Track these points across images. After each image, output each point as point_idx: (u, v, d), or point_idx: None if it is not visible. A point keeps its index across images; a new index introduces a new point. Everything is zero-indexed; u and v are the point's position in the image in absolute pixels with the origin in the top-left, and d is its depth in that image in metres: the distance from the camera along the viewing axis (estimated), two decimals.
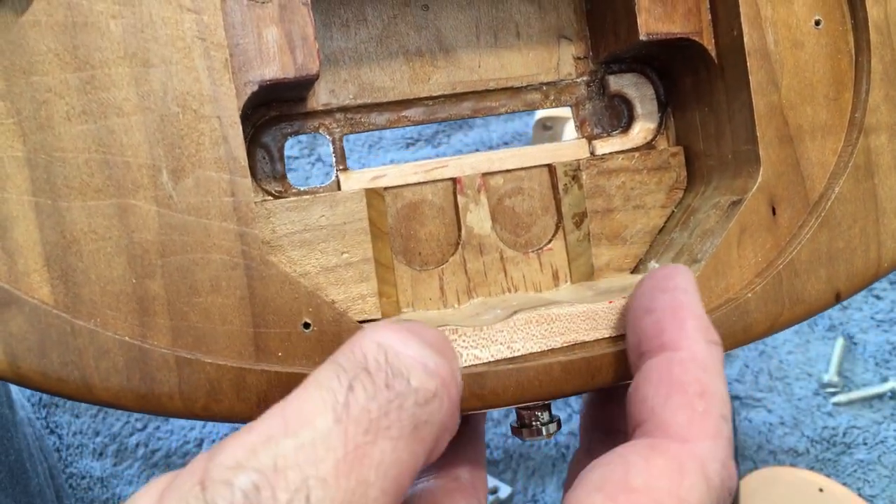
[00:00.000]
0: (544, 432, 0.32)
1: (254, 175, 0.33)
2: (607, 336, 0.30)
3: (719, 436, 0.24)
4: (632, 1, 0.32)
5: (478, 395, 0.28)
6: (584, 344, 0.30)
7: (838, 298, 0.32)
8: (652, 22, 0.32)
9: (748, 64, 0.31)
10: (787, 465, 0.59)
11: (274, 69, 0.28)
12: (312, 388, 0.21)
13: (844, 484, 0.58)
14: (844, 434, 0.60)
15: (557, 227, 0.36)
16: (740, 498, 0.57)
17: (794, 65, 0.32)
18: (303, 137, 0.69)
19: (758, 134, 0.31)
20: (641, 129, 0.36)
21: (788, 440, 0.59)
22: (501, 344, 0.29)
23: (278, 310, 0.27)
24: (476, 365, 0.29)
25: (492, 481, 0.56)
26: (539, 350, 0.29)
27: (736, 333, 0.31)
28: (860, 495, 0.59)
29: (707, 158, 0.35)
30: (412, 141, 0.77)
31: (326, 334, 0.28)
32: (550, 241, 0.35)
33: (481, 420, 0.35)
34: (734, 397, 0.58)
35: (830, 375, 0.59)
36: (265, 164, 0.33)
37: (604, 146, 0.36)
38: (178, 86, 0.26)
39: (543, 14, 0.36)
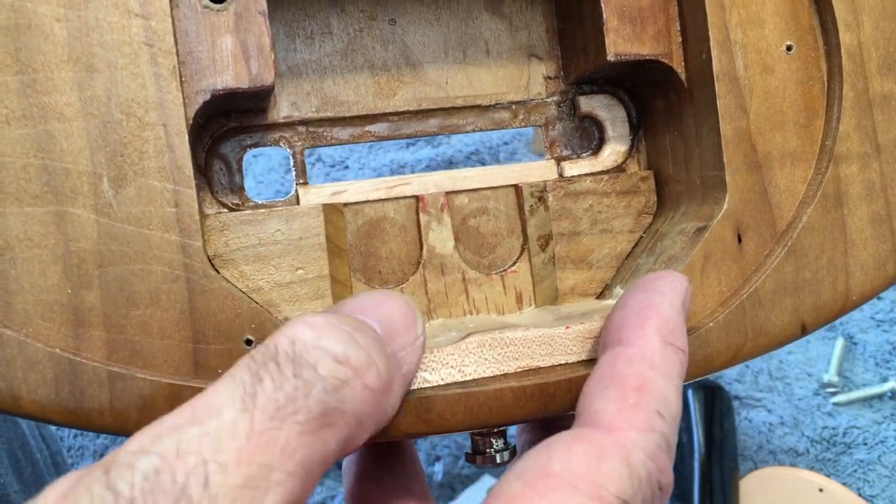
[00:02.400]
0: (497, 459, 0.31)
1: (210, 187, 0.32)
2: (563, 362, 0.29)
3: (650, 429, 0.24)
4: (600, 20, 0.31)
5: (424, 420, 0.27)
6: (538, 370, 0.29)
7: (804, 331, 0.31)
8: (620, 42, 0.31)
9: (716, 88, 0.30)
10: (787, 465, 0.58)
11: (227, 78, 0.28)
12: (224, 381, 0.21)
13: (844, 484, 0.58)
14: (844, 434, 0.59)
15: (522, 249, 0.35)
16: (740, 498, 0.55)
17: (763, 90, 0.31)
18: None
19: (725, 160, 0.31)
20: (612, 152, 0.36)
21: (788, 440, 0.58)
22: (452, 367, 0.28)
23: (219, 325, 0.26)
24: (425, 388, 0.28)
25: (492, 482, 0.55)
26: (491, 375, 0.28)
27: (696, 363, 0.30)
28: (860, 495, 0.58)
29: (676, 184, 0.34)
30: (412, 141, 0.75)
31: None
32: (515, 262, 0.35)
33: (410, 446, 0.34)
34: (734, 397, 0.57)
35: (830, 375, 0.59)
36: (223, 176, 0.32)
37: (573, 168, 0.35)
38: (123, 92, 0.26)
39: (514, 32, 0.35)
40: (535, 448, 0.24)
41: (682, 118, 0.33)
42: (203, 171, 0.32)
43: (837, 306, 0.31)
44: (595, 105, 0.36)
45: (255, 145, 0.33)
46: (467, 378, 0.28)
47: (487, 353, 0.29)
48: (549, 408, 0.28)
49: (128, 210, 0.26)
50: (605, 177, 0.34)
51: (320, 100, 0.33)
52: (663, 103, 0.34)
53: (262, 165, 0.71)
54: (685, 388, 0.55)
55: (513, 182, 0.35)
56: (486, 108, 0.35)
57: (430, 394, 0.28)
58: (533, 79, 0.35)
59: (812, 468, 0.58)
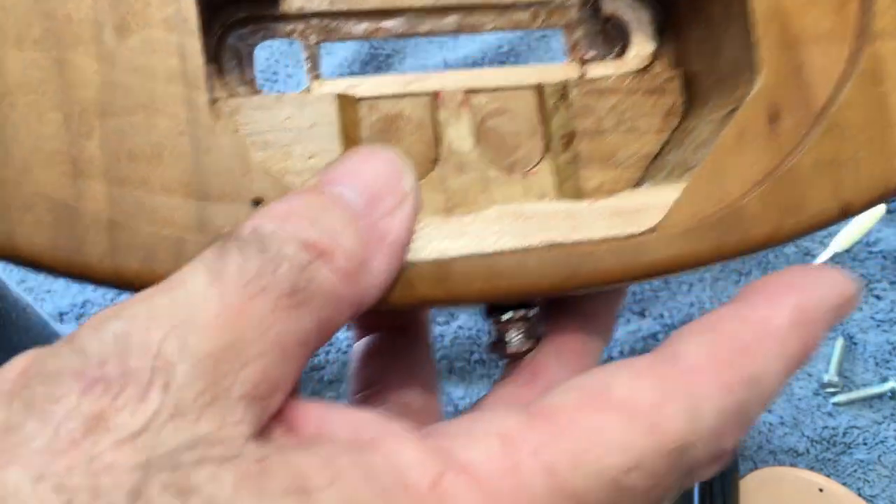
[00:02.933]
0: (523, 347, 0.29)
1: (222, 78, 0.31)
2: (589, 237, 0.27)
3: (731, 390, 0.22)
4: None
5: (443, 286, 0.26)
6: (562, 245, 0.27)
7: (845, 212, 0.29)
8: None
9: None
10: (787, 465, 0.58)
11: None
12: (192, 262, 0.21)
13: (844, 484, 0.57)
14: (844, 434, 0.58)
15: (545, 149, 0.33)
16: (740, 498, 0.55)
17: None
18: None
19: (757, 36, 0.29)
20: (637, 54, 0.34)
21: (788, 440, 0.58)
22: (471, 237, 0.27)
23: (226, 183, 0.25)
24: (441, 259, 0.26)
25: None
26: (512, 248, 0.27)
27: (732, 244, 0.28)
28: (860, 495, 0.57)
29: (706, 78, 0.32)
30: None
31: None
32: (538, 163, 0.33)
33: (426, 334, 0.32)
34: None
35: (830, 375, 0.58)
36: (233, 68, 0.31)
37: (596, 70, 0.34)
38: None
39: None
40: (599, 367, 0.22)
41: (710, 5, 0.31)
42: (214, 61, 0.31)
43: (880, 187, 0.29)
44: (619, 6, 0.34)
45: (267, 37, 0.32)
46: (486, 250, 0.27)
47: (508, 226, 0.27)
48: (572, 281, 0.27)
49: (131, 60, 0.25)
50: (631, 75, 0.33)
51: None
52: None
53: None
54: None
55: (534, 82, 0.33)
56: (506, 7, 0.34)
57: (449, 260, 0.26)
58: None
59: (812, 468, 0.57)
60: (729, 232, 0.28)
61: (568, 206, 0.28)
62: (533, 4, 0.34)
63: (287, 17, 0.32)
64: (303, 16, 0.32)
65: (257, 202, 0.25)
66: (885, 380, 0.59)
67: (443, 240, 0.26)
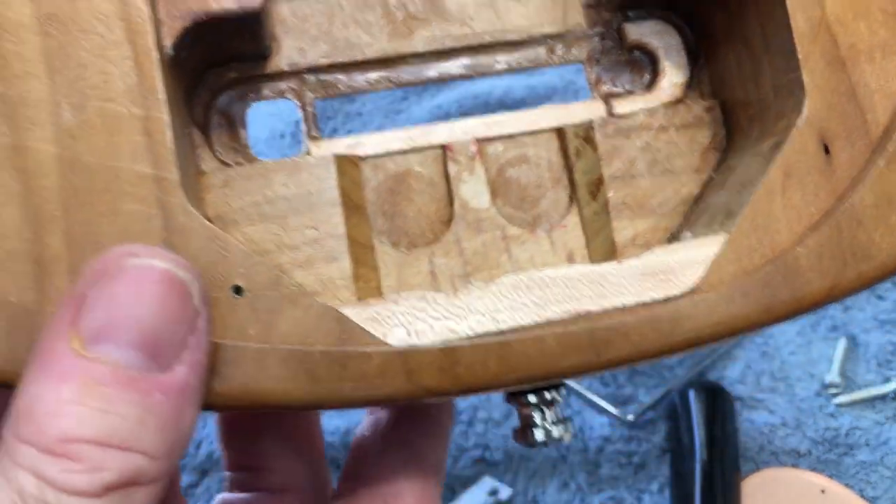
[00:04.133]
0: (554, 434, 0.26)
1: (210, 146, 0.29)
2: (618, 305, 0.24)
3: None
4: None
5: (451, 375, 0.23)
6: (587, 315, 0.24)
7: None
8: None
9: None
10: (789, 467, 0.56)
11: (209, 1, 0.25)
12: None
13: (847, 485, 0.56)
14: (847, 435, 0.57)
15: (571, 200, 0.30)
16: (742, 499, 0.54)
17: None
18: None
19: (800, 57, 0.26)
20: (669, 84, 0.31)
21: (790, 441, 0.57)
22: (483, 314, 0.24)
23: (203, 271, 0.23)
24: (451, 339, 0.23)
25: (491, 483, 0.53)
26: (531, 322, 0.24)
27: (786, 299, 0.24)
28: (862, 497, 0.55)
29: (747, 108, 0.29)
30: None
31: (262, 300, 0.23)
32: (564, 216, 0.30)
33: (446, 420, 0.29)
34: (736, 398, 0.56)
35: (833, 376, 0.57)
36: (223, 134, 0.29)
37: (624, 105, 0.31)
38: (84, 7, 0.23)
39: None
40: None
41: (745, 23, 0.28)
42: (202, 129, 0.29)
43: None
44: (645, 32, 0.31)
45: (259, 98, 0.30)
46: (501, 326, 0.23)
47: (525, 297, 0.24)
48: (603, 357, 0.23)
49: (91, 140, 0.22)
50: (662, 109, 0.30)
51: (329, 44, 0.30)
52: (723, 16, 0.29)
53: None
54: (685, 390, 0.54)
55: (554, 125, 0.30)
56: (518, 43, 0.31)
57: (457, 344, 0.23)
58: (570, 8, 0.31)
59: (814, 469, 0.56)
60: (780, 289, 0.24)
61: (592, 268, 0.24)
62: (548, 38, 0.31)
63: (280, 75, 0.29)
64: (297, 72, 0.29)
65: (238, 290, 0.23)
66: (887, 380, 0.59)
67: (448, 320, 0.23)
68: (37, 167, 0.22)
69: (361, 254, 0.28)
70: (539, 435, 0.25)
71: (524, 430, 0.26)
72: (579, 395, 0.56)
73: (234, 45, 0.28)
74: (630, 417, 0.56)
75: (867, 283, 0.25)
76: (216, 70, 0.29)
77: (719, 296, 0.24)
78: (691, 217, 0.29)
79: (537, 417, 0.26)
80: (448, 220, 0.29)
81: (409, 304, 0.23)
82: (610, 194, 0.29)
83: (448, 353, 0.23)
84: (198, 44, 0.25)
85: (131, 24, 0.23)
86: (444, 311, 0.23)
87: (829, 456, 0.56)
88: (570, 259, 0.30)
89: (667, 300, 0.24)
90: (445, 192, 0.29)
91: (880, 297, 0.60)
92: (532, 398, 0.25)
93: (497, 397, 0.56)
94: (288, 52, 0.29)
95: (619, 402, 0.56)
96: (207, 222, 0.23)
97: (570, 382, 0.56)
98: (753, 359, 0.58)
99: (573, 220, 0.30)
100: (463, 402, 0.56)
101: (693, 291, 0.24)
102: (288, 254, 0.27)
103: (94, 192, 0.22)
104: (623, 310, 0.24)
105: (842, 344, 0.58)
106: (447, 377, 0.23)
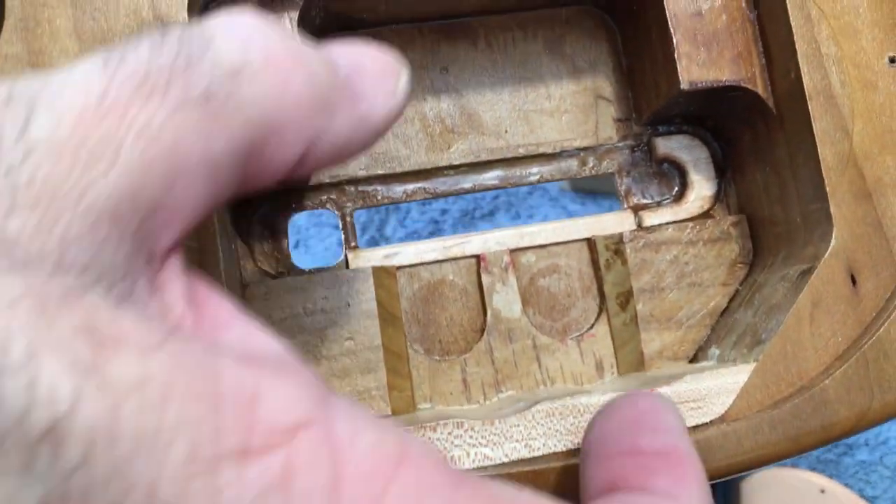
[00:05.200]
0: None
1: (253, 255, 0.30)
2: None
3: None
4: (671, 48, 0.28)
5: None
6: None
7: None
8: (695, 69, 0.28)
9: (810, 108, 0.26)
10: (789, 466, 0.56)
11: None
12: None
13: (846, 485, 0.55)
14: None
15: (600, 310, 0.31)
16: (742, 499, 0.54)
17: (866, 108, 0.27)
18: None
19: (828, 189, 0.26)
20: (697, 197, 0.32)
21: None
22: (517, 441, 0.24)
23: None
24: (486, 467, 0.24)
25: None
26: (564, 449, 0.24)
27: (814, 430, 0.25)
28: (862, 496, 0.55)
29: (773, 226, 0.30)
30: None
31: None
32: (592, 325, 0.31)
33: None
34: None
35: None
36: (266, 243, 0.30)
37: (653, 217, 0.31)
38: None
39: (577, 74, 0.32)
40: None
41: (773, 149, 0.29)
42: (245, 239, 0.30)
43: None
44: (674, 147, 0.32)
45: (301, 208, 0.31)
46: (535, 454, 0.24)
47: (558, 424, 0.25)
48: None
49: None
50: (690, 224, 0.30)
51: (369, 156, 0.31)
52: (751, 136, 0.30)
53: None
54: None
55: (585, 236, 0.31)
56: (552, 156, 0.32)
57: (493, 473, 0.24)
58: (602, 122, 0.32)
59: (814, 469, 0.56)
60: (809, 420, 0.25)
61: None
62: (581, 150, 0.32)
63: (320, 187, 0.31)
64: (336, 184, 0.31)
65: None
66: None
67: (484, 447, 0.24)
68: None
69: (396, 364, 0.29)
70: None
71: None
72: None
73: None
74: None
75: (893, 415, 0.25)
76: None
77: (748, 426, 0.25)
78: (719, 332, 0.30)
79: None
80: (480, 329, 0.30)
81: (446, 431, 0.24)
82: (639, 306, 0.30)
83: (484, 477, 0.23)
84: None
85: None
86: (479, 439, 0.24)
87: (829, 455, 0.56)
88: (599, 368, 0.31)
89: (696, 428, 0.25)
90: (478, 301, 0.30)
91: None
92: None
93: None
94: None
95: None
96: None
97: None
98: None
99: (602, 329, 0.31)
100: None
101: (722, 418, 0.25)
102: (325, 364, 0.28)
103: None
104: None
105: None
106: None
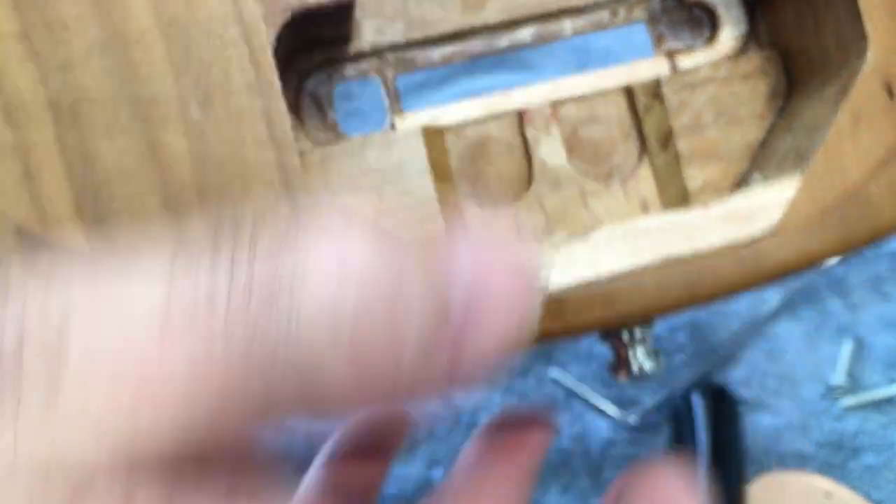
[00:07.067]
0: (646, 367, 0.28)
1: (302, 126, 0.31)
2: (704, 247, 0.26)
3: None
4: None
5: (559, 319, 0.25)
6: (679, 259, 0.26)
7: None
8: None
9: None
10: (795, 470, 0.56)
11: None
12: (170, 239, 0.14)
13: (852, 489, 0.55)
14: (853, 438, 0.57)
15: (642, 153, 0.32)
16: (747, 503, 0.54)
17: None
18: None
19: (861, 8, 0.27)
20: (729, 37, 0.32)
21: (795, 444, 0.57)
22: (584, 264, 0.26)
23: None
24: (560, 289, 0.25)
25: None
26: (628, 268, 0.26)
27: (863, 231, 0.26)
28: (868, 500, 0.55)
29: (807, 56, 0.30)
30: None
31: None
32: (636, 168, 0.32)
33: None
34: (741, 401, 0.56)
35: (839, 378, 0.56)
36: (314, 114, 0.31)
37: (687, 60, 0.32)
38: (201, 12, 0.25)
39: None
40: None
41: None
42: (294, 111, 0.31)
43: None
44: None
45: (344, 78, 0.31)
46: (601, 275, 0.26)
47: (620, 247, 0.26)
48: (693, 297, 0.26)
49: (219, 132, 0.25)
50: (724, 62, 0.31)
51: (405, 22, 0.31)
52: None
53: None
54: (689, 392, 0.54)
55: (622, 84, 0.32)
56: (583, 9, 0.32)
57: (564, 292, 0.25)
58: None
59: (820, 473, 0.56)
60: (856, 221, 0.26)
61: (679, 216, 0.26)
62: (611, 1, 0.33)
63: (361, 56, 0.31)
64: (377, 51, 0.31)
65: None
66: (894, 382, 0.57)
67: (555, 272, 0.25)
68: (172, 159, 0.24)
69: (452, 216, 0.30)
70: (635, 367, 0.28)
71: (621, 365, 0.28)
72: (581, 398, 0.56)
73: (320, 31, 0.30)
74: (633, 420, 0.55)
75: None
76: (302, 55, 0.31)
77: (798, 232, 0.26)
78: (760, 161, 0.31)
79: (632, 354, 0.28)
80: (528, 180, 0.31)
81: None
82: (680, 145, 0.31)
83: (557, 300, 0.25)
84: (292, 34, 0.27)
85: (245, 24, 0.25)
86: (550, 264, 0.25)
87: (835, 459, 0.56)
88: (644, 207, 0.32)
89: (750, 241, 0.26)
90: (523, 154, 0.31)
91: (886, 299, 0.59)
92: (626, 337, 0.28)
93: (496, 399, 0.57)
94: (368, 33, 0.31)
95: (622, 404, 0.56)
96: (326, 190, 0.25)
97: (572, 386, 0.56)
98: (758, 360, 0.57)
99: (645, 170, 0.32)
100: (464, 405, 0.55)
101: (773, 230, 0.26)
102: (386, 219, 0.29)
103: (225, 178, 0.25)
104: (710, 252, 0.26)
105: (848, 345, 0.56)
106: (557, 321, 0.25)
